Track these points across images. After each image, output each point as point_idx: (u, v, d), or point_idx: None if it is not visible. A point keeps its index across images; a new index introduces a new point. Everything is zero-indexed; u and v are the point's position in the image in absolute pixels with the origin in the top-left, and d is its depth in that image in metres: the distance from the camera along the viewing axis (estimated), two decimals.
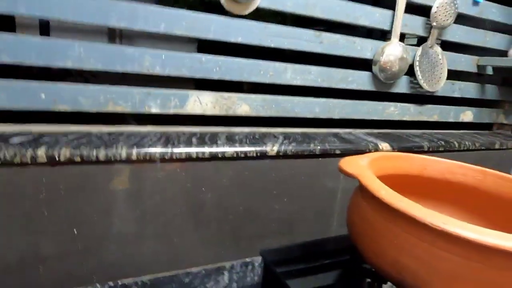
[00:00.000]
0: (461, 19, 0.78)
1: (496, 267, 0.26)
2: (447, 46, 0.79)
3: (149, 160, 0.48)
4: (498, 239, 0.25)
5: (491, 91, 0.90)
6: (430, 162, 0.45)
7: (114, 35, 0.76)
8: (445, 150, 0.74)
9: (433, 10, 0.72)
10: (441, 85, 0.78)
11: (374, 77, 0.72)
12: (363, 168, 0.37)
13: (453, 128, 0.91)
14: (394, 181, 0.44)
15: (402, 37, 0.73)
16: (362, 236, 0.35)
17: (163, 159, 0.49)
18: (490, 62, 0.85)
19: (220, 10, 0.56)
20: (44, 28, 0.66)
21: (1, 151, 0.41)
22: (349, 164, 0.38)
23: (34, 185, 0.44)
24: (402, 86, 0.76)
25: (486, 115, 0.93)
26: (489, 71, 0.88)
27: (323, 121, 0.72)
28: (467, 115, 0.89)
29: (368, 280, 0.41)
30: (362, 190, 0.36)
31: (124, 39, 0.76)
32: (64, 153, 0.44)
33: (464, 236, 0.25)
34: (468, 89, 0.86)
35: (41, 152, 0.42)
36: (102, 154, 0.45)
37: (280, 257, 0.48)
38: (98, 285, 0.50)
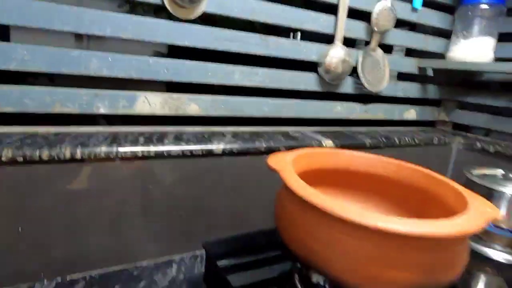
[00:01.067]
0: (404, 24, 0.84)
1: (381, 245, 0.31)
2: (391, 49, 0.85)
3: (93, 159, 0.50)
4: (378, 221, 0.29)
5: (432, 91, 0.98)
6: (355, 157, 0.50)
7: (81, 37, 0.76)
8: (386, 146, 0.80)
9: (373, 16, 0.77)
10: (383, 86, 0.83)
11: (320, 78, 0.76)
12: (286, 163, 0.41)
13: (400, 126, 0.98)
14: (321, 175, 0.49)
15: (350, 42, 0.78)
16: (283, 225, 0.39)
17: (108, 158, 0.51)
18: (430, 64, 0.92)
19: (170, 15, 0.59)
20: (3, 31, 0.67)
21: None
22: (275, 159, 0.42)
23: None
24: (347, 86, 0.81)
25: (428, 113, 1.00)
26: (430, 72, 0.95)
27: (276, 120, 0.76)
28: (411, 113, 0.96)
29: (298, 266, 0.45)
30: (283, 184, 0.40)
31: (93, 42, 0.77)
32: (6, 153, 0.45)
33: (349, 218, 0.29)
34: (411, 89, 0.93)
35: None
36: (45, 154, 0.47)
37: (223, 249, 0.51)
38: (45, 281, 0.51)
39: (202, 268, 0.58)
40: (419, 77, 0.95)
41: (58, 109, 0.54)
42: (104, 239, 0.55)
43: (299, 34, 1.08)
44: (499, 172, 0.65)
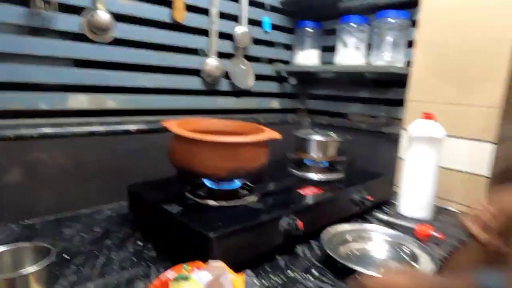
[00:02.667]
0: (262, 42, 1.23)
1: (219, 150, 0.64)
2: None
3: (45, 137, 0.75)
4: (215, 139, 0.62)
5: (288, 87, 1.39)
6: (214, 121, 0.84)
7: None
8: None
9: (236, 36, 1.14)
10: (250, 84, 1.21)
11: (203, 80, 1.10)
12: (173, 123, 0.72)
13: (270, 113, 1.37)
14: (195, 132, 0.81)
15: (224, 55, 1.13)
16: (173, 156, 0.70)
17: (55, 135, 0.76)
18: (282, 68, 1.33)
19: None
20: None
21: None
22: (167, 123, 0.73)
23: None
24: (224, 85, 1.16)
25: (288, 103, 1.42)
26: (285, 74, 1.37)
27: (174, 111, 1.06)
28: (274, 103, 1.36)
29: (187, 187, 0.76)
30: (172, 135, 0.71)
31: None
32: None
33: (204, 139, 0.62)
34: (273, 86, 1.33)
35: None
36: (11, 133, 0.70)
37: (140, 186, 0.79)
38: (12, 224, 0.73)
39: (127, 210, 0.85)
40: (278, 78, 1.36)
41: (12, 106, 0.77)
42: (54, 195, 0.79)
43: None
44: (312, 131, 1.06)
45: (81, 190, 0.83)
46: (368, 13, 1.14)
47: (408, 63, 1.07)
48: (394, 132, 1.11)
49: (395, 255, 0.71)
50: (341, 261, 0.62)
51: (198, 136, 0.64)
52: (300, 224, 0.66)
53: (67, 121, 0.84)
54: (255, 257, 0.63)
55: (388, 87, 1.17)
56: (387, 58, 1.07)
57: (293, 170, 0.98)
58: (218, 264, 0.50)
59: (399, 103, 1.12)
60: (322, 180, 0.94)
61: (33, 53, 0.78)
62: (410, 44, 1.07)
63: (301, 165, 1.02)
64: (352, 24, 1.14)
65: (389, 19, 1.05)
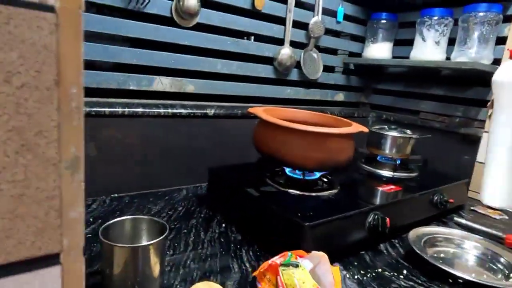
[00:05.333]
0: (332, 32, 1.21)
1: (308, 140, 0.64)
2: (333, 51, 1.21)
3: (135, 115, 0.79)
4: (305, 128, 0.62)
5: (355, 80, 1.36)
6: (297, 112, 0.83)
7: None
8: None
9: (310, 26, 1.12)
10: (319, 75, 1.19)
11: (275, 69, 1.10)
12: (259, 110, 0.73)
13: (333, 106, 1.35)
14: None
15: (295, 44, 1.12)
16: (259, 143, 0.71)
17: (143, 115, 0.80)
18: (351, 61, 1.30)
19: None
20: None
21: None
22: (252, 109, 0.74)
23: None
24: (294, 75, 1.16)
25: (353, 96, 1.38)
26: (352, 66, 1.33)
27: (246, 98, 1.07)
28: (340, 96, 1.33)
29: (267, 173, 0.77)
30: (259, 121, 0.72)
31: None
32: None
33: (293, 127, 0.62)
34: (339, 79, 1.30)
35: None
36: (107, 111, 0.74)
37: (221, 169, 0.81)
38: (103, 196, 0.78)
39: (202, 191, 0.87)
40: (345, 70, 1.33)
41: (105, 85, 0.81)
42: (139, 170, 0.83)
43: (252, 37, 1.40)
44: (386, 127, 1.02)
45: (160, 169, 0.87)
46: (453, 5, 1.08)
47: (495, 61, 1.00)
48: (472, 133, 1.05)
49: (486, 263, 0.67)
50: (431, 261, 0.60)
51: (290, 124, 0.64)
52: (388, 221, 0.65)
53: (154, 102, 0.88)
54: (341, 250, 0.63)
55: (468, 86, 1.10)
56: (471, 55, 1.00)
57: (364, 165, 0.96)
58: (319, 254, 0.50)
59: (480, 103, 1.05)
60: (395, 177, 0.91)
61: (127, 35, 0.81)
62: (499, 41, 1.00)
63: (372, 160, 0.99)
64: (434, 17, 1.08)
65: (479, 13, 0.99)
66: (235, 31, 0.99)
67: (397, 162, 0.96)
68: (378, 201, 0.71)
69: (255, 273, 0.48)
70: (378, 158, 0.98)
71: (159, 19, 0.86)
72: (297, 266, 0.46)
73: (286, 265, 0.46)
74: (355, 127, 0.69)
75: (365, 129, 0.70)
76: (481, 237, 0.72)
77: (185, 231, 0.67)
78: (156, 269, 0.46)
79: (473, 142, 1.04)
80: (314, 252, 0.50)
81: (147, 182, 0.85)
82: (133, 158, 0.82)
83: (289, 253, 0.49)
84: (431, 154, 1.10)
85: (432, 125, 1.16)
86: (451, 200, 0.83)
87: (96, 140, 0.76)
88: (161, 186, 0.87)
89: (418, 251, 0.62)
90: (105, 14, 0.78)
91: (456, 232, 0.74)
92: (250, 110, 0.73)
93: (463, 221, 0.84)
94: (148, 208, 0.75)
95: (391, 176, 0.91)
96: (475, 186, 1.04)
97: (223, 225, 0.71)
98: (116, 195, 0.80)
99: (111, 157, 0.79)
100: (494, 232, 0.77)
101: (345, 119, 0.78)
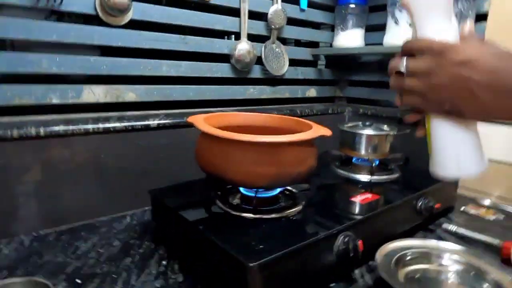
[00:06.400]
0: (297, 22, 1.08)
1: (252, 152, 0.51)
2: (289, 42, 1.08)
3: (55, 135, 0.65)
4: (250, 138, 0.49)
5: (326, 73, 1.24)
6: (247, 116, 0.71)
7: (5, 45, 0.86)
8: (291, 115, 1.03)
9: (269, 16, 1.00)
10: (284, 71, 1.07)
11: (233, 67, 0.97)
12: (199, 118, 0.60)
13: (304, 103, 1.22)
14: (227, 129, 0.69)
15: (255, 37, 0.99)
16: (200, 157, 0.58)
17: (66, 134, 0.66)
18: (320, 52, 1.18)
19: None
20: None
21: None
22: (192, 118, 0.61)
23: None
24: (256, 72, 1.03)
25: (326, 91, 1.26)
26: (322, 58, 1.21)
27: (200, 102, 0.94)
28: (312, 92, 1.21)
29: (218, 192, 0.65)
30: (200, 134, 0.59)
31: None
32: None
33: (234, 138, 0.49)
34: (309, 72, 1.18)
35: None
36: (15, 133, 0.61)
37: (164, 192, 0.68)
38: (22, 236, 0.65)
39: (150, 216, 0.74)
40: (314, 63, 1.20)
41: (17, 101, 0.67)
42: (68, 199, 0.69)
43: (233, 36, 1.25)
44: (361, 123, 0.90)
45: (99, 195, 0.73)
46: None
47: None
48: None
49: (470, 282, 0.55)
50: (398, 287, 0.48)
51: (231, 134, 0.52)
52: (360, 244, 0.53)
53: (80, 116, 0.74)
54: (304, 287, 0.50)
55: None
56: None
57: (338, 170, 0.84)
58: None
59: None
60: (373, 181, 0.79)
61: (42, 40, 0.68)
62: (479, 17, 0.89)
63: (347, 163, 0.87)
64: None
65: None
66: (181, 27, 0.86)
67: (375, 164, 0.84)
68: (349, 218, 0.59)
69: None
70: (353, 160, 0.86)
71: (81, 18, 0.73)
72: None
73: None
74: (315, 131, 0.57)
75: (327, 133, 0.58)
76: (462, 247, 0.60)
77: (114, 275, 0.54)
78: None
79: None
80: None
81: (81, 213, 0.71)
82: (65, 186, 0.69)
83: None
84: (413, 151, 0.98)
85: None
86: (437, 205, 0.71)
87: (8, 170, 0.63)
88: (100, 214, 0.73)
89: (386, 279, 0.50)
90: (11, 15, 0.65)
91: (432, 244, 0.62)
92: (189, 119, 0.60)
93: (453, 227, 0.72)
94: (75, 246, 0.62)
95: (368, 180, 0.79)
96: (465, 182, 0.93)
97: (164, 262, 0.58)
98: (41, 232, 0.67)
99: (32, 188, 0.66)
100: (488, 240, 0.66)
101: (308, 121, 0.66)
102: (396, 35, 0.99)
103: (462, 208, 0.84)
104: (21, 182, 0.64)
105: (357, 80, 1.26)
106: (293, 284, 0.49)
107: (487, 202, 0.88)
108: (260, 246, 0.47)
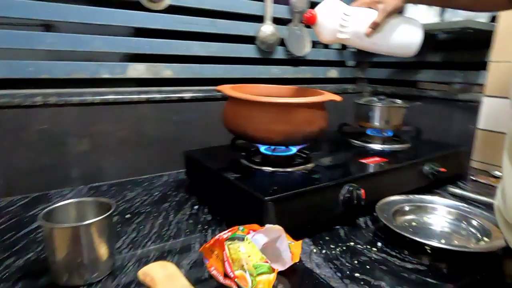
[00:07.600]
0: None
1: (271, 112, 0.61)
2: None
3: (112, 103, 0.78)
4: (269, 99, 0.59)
5: (348, 55, 1.30)
6: (267, 87, 0.80)
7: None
8: None
9: (292, 0, 1.07)
10: (306, 52, 1.14)
11: (258, 48, 1.06)
12: (227, 87, 0.70)
13: (327, 83, 1.29)
14: None
15: (279, 20, 1.07)
16: (226, 120, 0.68)
17: (115, 102, 0.79)
18: None
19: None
20: None
21: None
22: (221, 87, 0.71)
23: None
24: (279, 53, 1.11)
25: (348, 72, 1.32)
26: None
27: (228, 80, 1.04)
28: (333, 73, 1.27)
29: (243, 153, 0.74)
30: (228, 99, 0.69)
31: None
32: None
33: (255, 99, 0.59)
34: (330, 54, 1.24)
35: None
36: (75, 99, 0.74)
37: (197, 152, 0.79)
38: (82, 186, 0.78)
39: (183, 176, 0.86)
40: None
41: (75, 75, 0.80)
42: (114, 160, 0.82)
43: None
44: (375, 98, 0.96)
45: (141, 157, 0.86)
46: None
47: (493, 19, 0.92)
48: (472, 99, 0.98)
49: (460, 228, 0.62)
50: (397, 230, 0.55)
51: (250, 97, 0.61)
52: (363, 193, 0.61)
53: (127, 89, 0.87)
54: (313, 225, 0.59)
55: (465, 49, 1.02)
56: (465, 13, 0.93)
57: (354, 141, 0.92)
58: (275, 228, 0.47)
59: (479, 66, 0.97)
60: (385, 150, 0.86)
61: (93, 23, 0.80)
62: None
63: (362, 135, 0.94)
64: None
65: None
66: (211, 11, 0.96)
67: (388, 134, 0.90)
68: (354, 173, 0.67)
69: (201, 249, 0.46)
70: (367, 131, 0.93)
71: (126, 4, 0.84)
72: (243, 239, 0.43)
73: (232, 239, 0.43)
74: (325, 96, 0.65)
75: (337, 98, 0.66)
76: (454, 200, 0.67)
77: (155, 214, 0.66)
78: (102, 249, 0.45)
79: (473, 108, 0.97)
80: (268, 226, 0.47)
81: (127, 170, 0.84)
82: (111, 148, 0.82)
83: (240, 227, 0.47)
84: (428, 124, 1.03)
85: (429, 94, 1.09)
86: (442, 169, 0.77)
87: None
88: (142, 173, 0.86)
89: (383, 221, 0.58)
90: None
91: (429, 198, 0.69)
92: (218, 87, 0.70)
93: (457, 190, 0.78)
94: (123, 194, 0.75)
95: (380, 149, 0.86)
96: (478, 156, 0.97)
97: (195, 207, 0.69)
98: (95, 184, 0.80)
99: (90, 148, 0.79)
100: (490, 200, 0.71)
101: (320, 90, 0.74)
102: (413, 14, 1.03)
103: (473, 178, 0.89)
104: (81, 143, 0.78)
105: (378, 62, 1.30)
106: (302, 219, 0.58)
107: (499, 173, 0.92)
108: (275, 188, 0.57)
